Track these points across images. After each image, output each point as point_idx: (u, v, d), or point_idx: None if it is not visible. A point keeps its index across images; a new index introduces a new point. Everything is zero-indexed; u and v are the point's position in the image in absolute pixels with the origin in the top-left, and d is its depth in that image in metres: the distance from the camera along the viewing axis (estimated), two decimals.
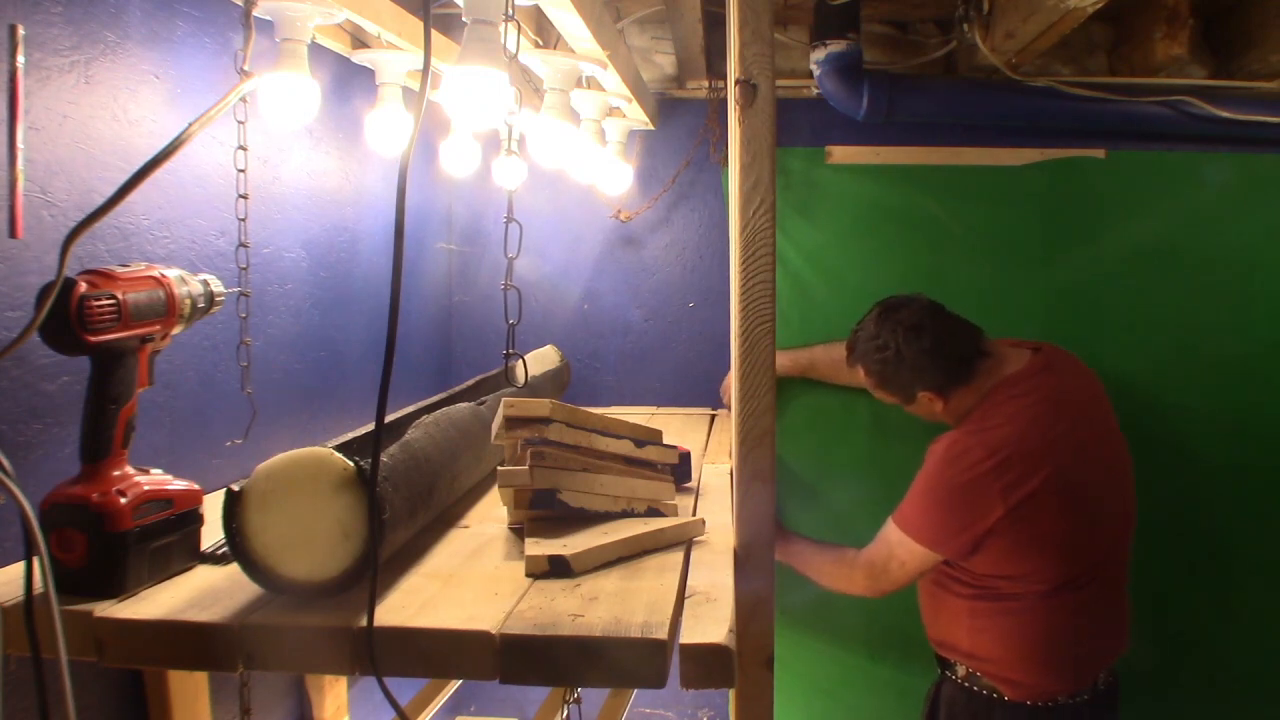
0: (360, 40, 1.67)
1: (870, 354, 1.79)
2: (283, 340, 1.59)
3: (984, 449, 1.61)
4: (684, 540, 1.14)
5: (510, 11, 0.99)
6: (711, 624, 0.89)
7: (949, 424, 1.80)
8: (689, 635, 0.87)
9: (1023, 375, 1.73)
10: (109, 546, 0.92)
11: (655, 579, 1.01)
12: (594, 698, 1.91)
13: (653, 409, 2.37)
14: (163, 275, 0.99)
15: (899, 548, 1.69)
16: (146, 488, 0.96)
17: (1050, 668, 1.64)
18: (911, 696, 2.20)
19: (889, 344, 1.76)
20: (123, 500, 0.92)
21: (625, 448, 1.21)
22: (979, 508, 1.59)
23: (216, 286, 1.08)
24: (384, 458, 0.98)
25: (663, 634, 0.85)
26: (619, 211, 2.42)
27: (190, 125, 1.03)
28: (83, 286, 0.88)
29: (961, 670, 1.73)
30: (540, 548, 1.04)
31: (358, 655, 0.86)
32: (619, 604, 0.92)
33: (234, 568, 0.94)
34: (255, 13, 1.22)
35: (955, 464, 1.63)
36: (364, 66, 1.66)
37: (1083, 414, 1.72)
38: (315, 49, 1.43)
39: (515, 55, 0.98)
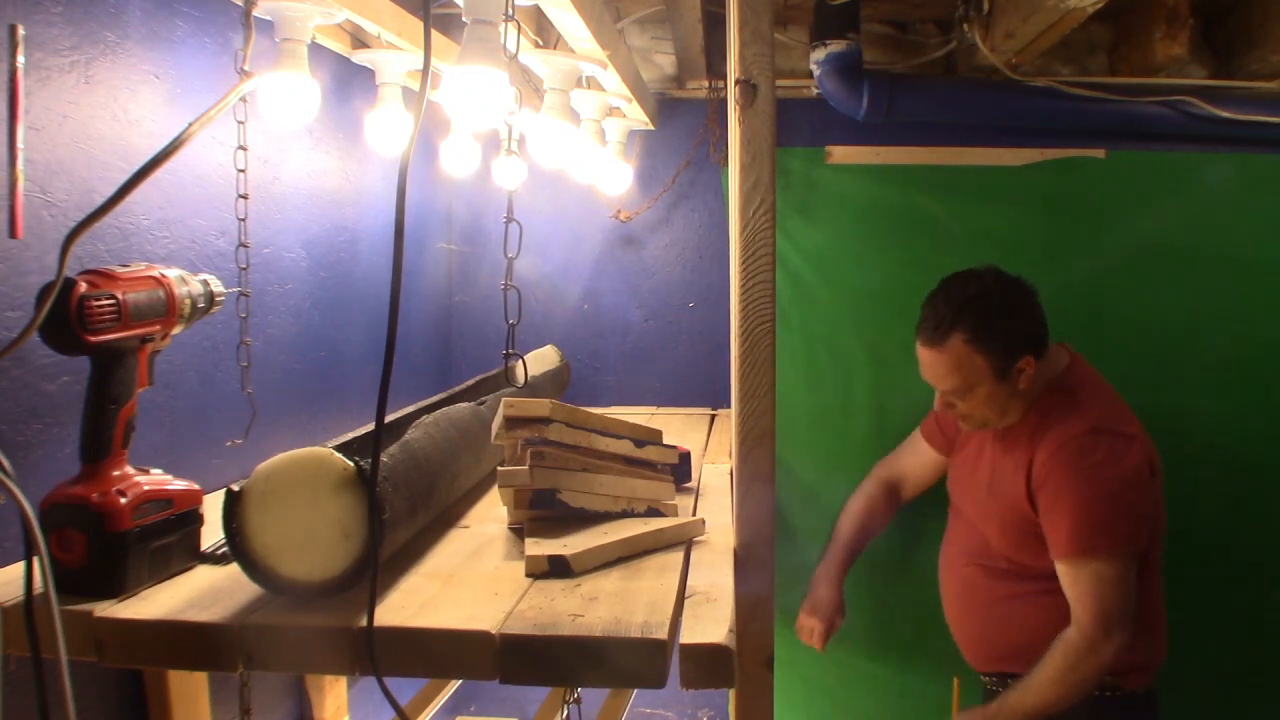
0: (360, 40, 1.67)
1: (968, 310, 1.61)
2: (283, 340, 1.59)
3: (1123, 436, 1.55)
4: (684, 540, 1.14)
5: (510, 11, 0.99)
6: (711, 624, 0.89)
7: (1002, 416, 1.69)
8: (689, 635, 0.87)
9: (1078, 357, 1.72)
10: (109, 546, 0.92)
11: (655, 579, 1.01)
12: (594, 698, 1.91)
13: (653, 409, 2.37)
14: (163, 275, 0.99)
15: (1109, 576, 1.49)
16: (146, 488, 0.96)
17: (1159, 639, 1.66)
18: (911, 697, 2.21)
19: (990, 292, 1.63)
20: (123, 500, 0.92)
21: (625, 448, 1.21)
22: (1146, 493, 1.55)
23: (216, 286, 1.08)
24: (384, 458, 0.98)
25: (663, 634, 0.85)
26: (619, 211, 2.42)
27: (190, 125, 1.03)
28: (83, 286, 0.88)
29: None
30: (540, 548, 1.04)
31: (358, 655, 0.86)
32: (619, 604, 0.92)
33: (234, 568, 0.94)
34: (255, 13, 1.22)
35: (1114, 463, 1.53)
36: (364, 66, 1.66)
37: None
38: (315, 49, 1.43)
39: (515, 55, 0.98)
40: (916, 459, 2.03)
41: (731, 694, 1.18)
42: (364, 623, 0.85)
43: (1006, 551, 1.69)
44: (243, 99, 1.23)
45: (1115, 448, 1.54)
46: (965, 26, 2.08)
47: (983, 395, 1.65)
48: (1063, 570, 1.54)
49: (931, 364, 1.69)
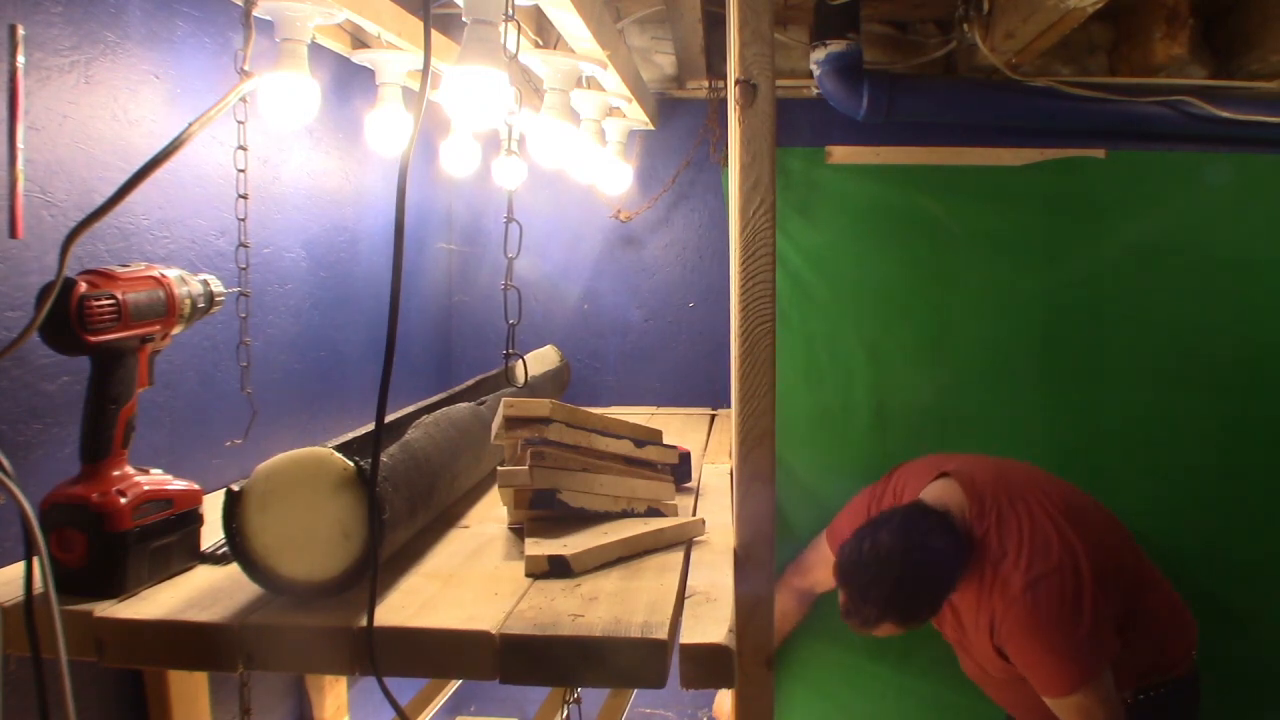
0: (360, 40, 1.67)
1: (892, 605, 1.61)
2: (283, 340, 1.59)
3: (1055, 574, 1.57)
4: (684, 540, 1.14)
5: (510, 11, 0.99)
6: (711, 624, 0.89)
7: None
8: (689, 635, 0.87)
9: (965, 476, 1.70)
10: (109, 546, 0.92)
11: (655, 579, 1.01)
12: (594, 698, 1.91)
13: (653, 409, 2.37)
14: (163, 275, 0.99)
15: (1092, 702, 1.55)
16: (146, 488, 0.96)
17: (1185, 624, 1.72)
18: (911, 697, 2.21)
19: (904, 579, 1.60)
20: (123, 500, 0.92)
21: (625, 448, 1.21)
22: (1097, 607, 1.57)
23: (216, 286, 1.08)
24: (384, 458, 0.98)
25: (663, 634, 0.85)
26: (619, 211, 2.42)
27: (190, 125, 1.03)
28: (83, 286, 0.88)
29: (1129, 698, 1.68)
30: (540, 548, 1.04)
31: (358, 655, 0.86)
32: (619, 604, 0.92)
33: (234, 568, 0.94)
34: (255, 13, 1.22)
35: (1060, 608, 1.56)
36: (364, 66, 1.66)
37: (1016, 474, 1.75)
38: (315, 49, 1.43)
39: (515, 55, 0.98)
40: (829, 570, 2.03)
41: (731, 694, 1.18)
42: (364, 623, 0.85)
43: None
44: (243, 99, 1.23)
45: (1053, 591, 1.57)
46: (965, 26, 2.08)
47: (926, 622, 1.72)
48: (1048, 702, 1.60)
49: (864, 635, 1.73)
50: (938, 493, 1.72)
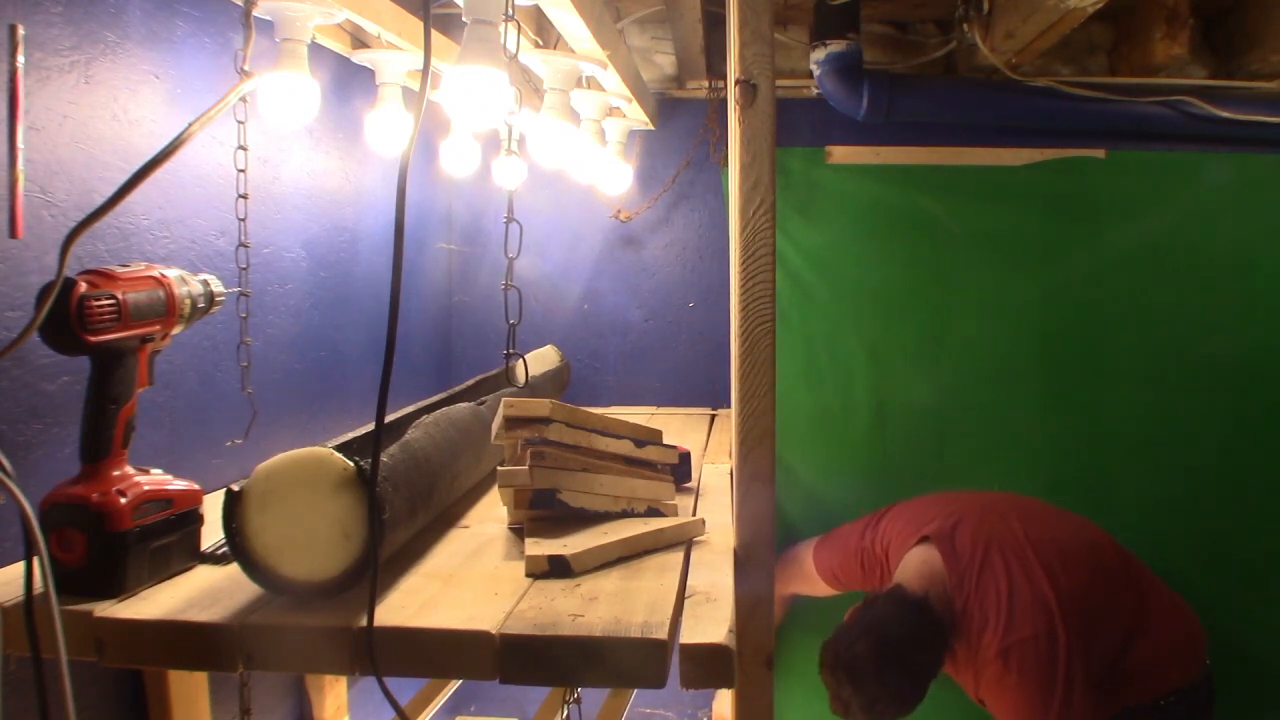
0: (360, 40, 1.67)
1: (879, 706, 1.60)
2: (283, 340, 1.59)
3: (1028, 641, 1.57)
4: (684, 540, 1.14)
5: (510, 11, 0.99)
6: (711, 624, 0.89)
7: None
8: (689, 635, 0.87)
9: (960, 566, 1.68)
10: (109, 546, 0.92)
11: (655, 579, 1.01)
12: (594, 698, 1.91)
13: (653, 409, 2.37)
14: (163, 275, 0.99)
15: None
16: (146, 488, 0.96)
17: (1193, 630, 1.72)
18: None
19: (890, 690, 1.60)
20: (123, 500, 0.92)
21: (625, 448, 1.21)
22: (1082, 666, 1.57)
23: (216, 286, 1.08)
24: (384, 458, 0.98)
25: (663, 634, 0.85)
26: (619, 211, 2.42)
27: (190, 125, 1.03)
28: (83, 286, 0.88)
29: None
30: (540, 548, 1.04)
31: (358, 655, 0.86)
32: (619, 604, 0.92)
33: (234, 568, 0.94)
34: (255, 13, 1.22)
35: (1032, 676, 1.56)
36: (364, 66, 1.66)
37: (999, 522, 1.73)
38: (315, 49, 1.43)
39: (515, 55, 0.98)
40: (809, 584, 2.07)
41: (731, 694, 1.18)
42: (364, 623, 0.85)
43: None
44: (243, 99, 1.23)
45: (1027, 661, 1.56)
46: (965, 26, 2.08)
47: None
48: None
49: None
50: (916, 568, 1.71)
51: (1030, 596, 1.61)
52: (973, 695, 1.72)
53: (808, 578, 2.05)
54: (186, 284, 1.02)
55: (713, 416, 2.25)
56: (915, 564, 1.73)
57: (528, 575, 1.01)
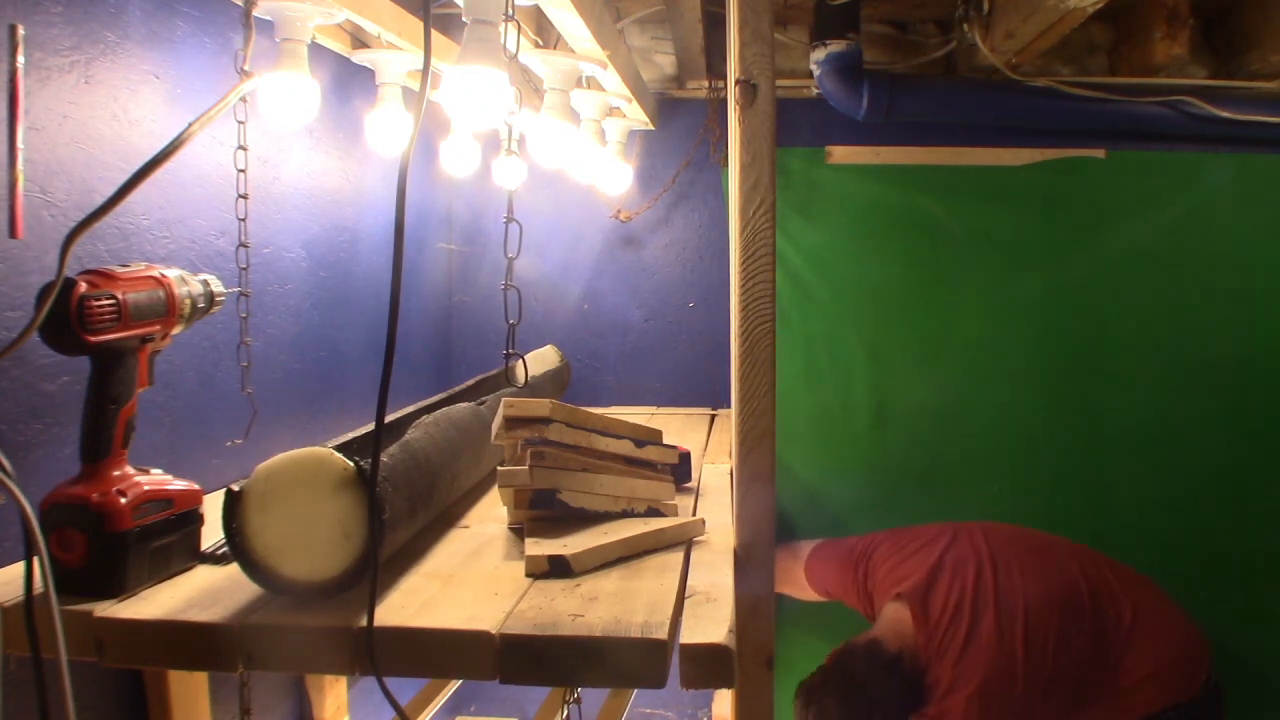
0: (360, 40, 1.67)
1: None
2: (283, 340, 1.59)
3: (968, 690, 1.60)
4: (684, 540, 1.14)
5: (510, 11, 0.99)
6: (711, 624, 0.89)
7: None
8: (689, 635, 0.87)
9: (930, 627, 1.71)
10: (109, 546, 0.92)
11: (655, 579, 1.01)
12: (594, 698, 1.91)
13: (653, 409, 2.37)
14: (163, 275, 0.99)
15: None
16: (146, 488, 0.96)
17: (1196, 644, 1.71)
18: None
19: None
20: (123, 500, 0.92)
21: (625, 448, 1.21)
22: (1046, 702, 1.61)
23: (216, 286, 1.08)
24: (384, 458, 0.98)
25: (663, 634, 0.85)
26: (619, 211, 2.42)
27: (190, 125, 1.03)
28: (83, 286, 0.88)
29: None
30: (540, 548, 1.04)
31: (358, 655, 0.86)
32: (619, 604, 0.92)
33: (234, 568, 0.94)
34: (255, 13, 1.22)
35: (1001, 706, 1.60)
36: (364, 66, 1.66)
37: (974, 570, 1.75)
38: (315, 49, 1.43)
39: (515, 55, 0.98)
40: (798, 587, 2.09)
41: (731, 694, 1.18)
42: (364, 623, 0.85)
43: None
44: (243, 99, 1.23)
45: (989, 709, 1.59)
46: (965, 26, 2.08)
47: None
48: None
49: None
50: (893, 625, 1.74)
51: (998, 654, 1.63)
52: None
53: (796, 583, 2.06)
54: (186, 284, 1.02)
55: (713, 416, 2.25)
56: (891, 620, 1.76)
57: (528, 575, 1.01)
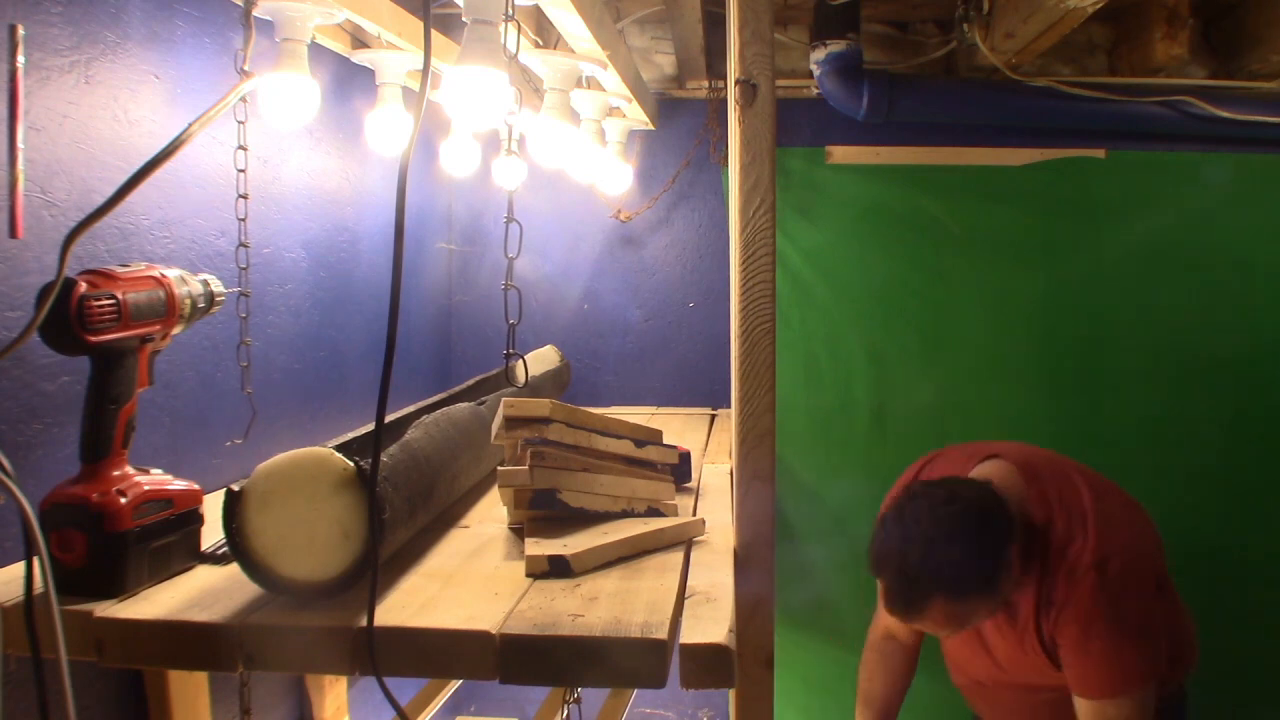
0: (360, 40, 1.67)
1: (940, 578, 1.39)
2: (283, 340, 1.59)
3: (1125, 554, 1.42)
4: (684, 540, 1.14)
5: (510, 11, 0.99)
6: (711, 624, 0.89)
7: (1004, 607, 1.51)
8: (689, 635, 0.87)
9: (1021, 458, 1.55)
10: (109, 546, 0.92)
11: (655, 579, 1.01)
12: (594, 698, 1.91)
13: (653, 409, 2.37)
14: (163, 275, 0.99)
15: (1132, 711, 1.39)
16: (146, 488, 0.96)
17: (1188, 642, 1.64)
18: (910, 696, 2.20)
19: (955, 557, 1.39)
20: (123, 500, 0.92)
21: (625, 448, 1.21)
22: (1161, 608, 1.47)
23: (216, 286, 1.08)
24: (384, 458, 0.98)
25: (663, 634, 0.85)
26: (619, 211, 2.42)
27: (190, 125, 1.03)
28: (83, 286, 0.88)
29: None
30: (540, 548, 1.04)
31: (358, 655, 0.86)
32: (619, 604, 0.92)
33: (234, 568, 0.94)
34: (255, 13, 1.22)
35: (1125, 597, 1.40)
36: (364, 66, 1.66)
37: (1072, 464, 1.61)
38: (315, 49, 1.43)
39: (515, 55, 0.98)
40: (903, 626, 1.76)
41: (731, 694, 1.18)
42: (364, 623, 0.85)
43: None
44: (243, 99, 1.23)
45: (1126, 572, 1.41)
46: (965, 26, 2.08)
47: (984, 614, 1.49)
48: (1083, 706, 1.43)
49: (917, 626, 1.55)
50: (988, 473, 1.53)
51: (1119, 510, 1.49)
52: (1013, 675, 1.56)
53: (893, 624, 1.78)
54: (186, 284, 1.02)
55: (713, 416, 2.25)
56: (986, 469, 1.55)
57: (528, 575, 1.01)
